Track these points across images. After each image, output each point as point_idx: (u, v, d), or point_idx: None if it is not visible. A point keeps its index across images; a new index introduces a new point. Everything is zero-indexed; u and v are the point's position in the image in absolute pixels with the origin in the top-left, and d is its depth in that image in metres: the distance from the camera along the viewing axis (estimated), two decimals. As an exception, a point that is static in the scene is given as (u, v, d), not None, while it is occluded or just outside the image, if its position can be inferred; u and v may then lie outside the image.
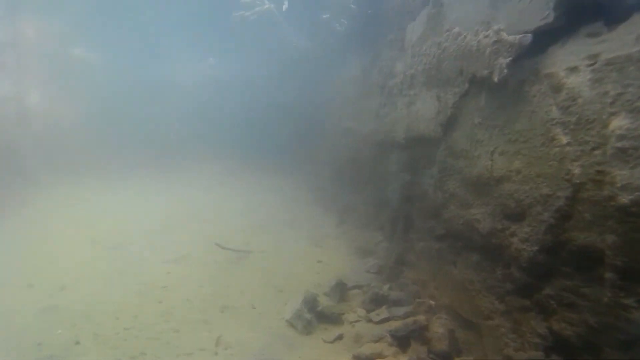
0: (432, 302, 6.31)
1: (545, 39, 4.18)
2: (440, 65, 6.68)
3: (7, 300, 7.20)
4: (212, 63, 25.69)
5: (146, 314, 6.79)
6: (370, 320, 6.42)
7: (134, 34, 23.36)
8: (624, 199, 3.03)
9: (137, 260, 9.06)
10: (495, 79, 4.69)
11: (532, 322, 4.07)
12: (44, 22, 17.99)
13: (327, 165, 15.06)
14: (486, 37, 4.99)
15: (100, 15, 21.48)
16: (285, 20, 22.77)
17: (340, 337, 6.01)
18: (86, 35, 20.89)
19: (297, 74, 21.03)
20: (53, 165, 16.29)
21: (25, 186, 14.21)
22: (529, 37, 4.29)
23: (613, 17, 3.53)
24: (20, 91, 16.05)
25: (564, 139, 3.66)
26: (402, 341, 5.58)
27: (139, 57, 23.37)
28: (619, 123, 3.11)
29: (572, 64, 3.66)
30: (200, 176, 18.74)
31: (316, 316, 6.43)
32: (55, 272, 8.32)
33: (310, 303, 6.54)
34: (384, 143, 9.95)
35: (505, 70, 4.54)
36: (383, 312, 6.43)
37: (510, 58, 4.49)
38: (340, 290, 7.25)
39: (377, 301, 6.78)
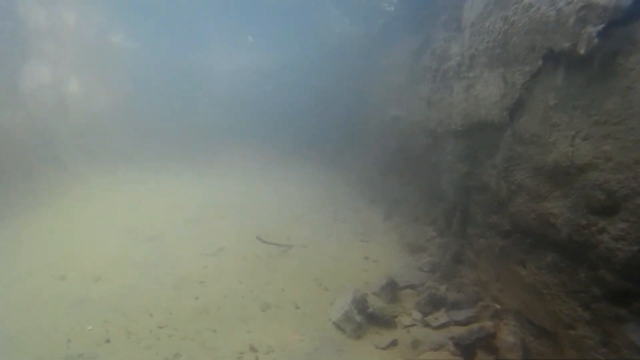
0: (498, 306, 5.76)
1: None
2: (507, 42, 6.09)
3: (39, 292, 7.01)
4: (250, 41, 25.24)
5: (181, 310, 6.47)
6: (427, 325, 5.92)
7: (172, 21, 23.24)
8: None
9: (173, 253, 8.81)
10: (582, 51, 4.10)
11: (630, 336, 3.51)
12: (83, 10, 18.01)
13: (372, 155, 14.57)
14: (569, 3, 4.39)
15: (138, 2, 21.40)
16: (330, 2, 22.15)
17: (394, 344, 5.53)
18: (124, 23, 20.89)
19: (341, 61, 20.53)
20: (89, 154, 16.30)
21: (61, 175, 14.19)
22: (628, -1, 3.71)
23: None
24: (58, 79, 16.06)
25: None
26: (466, 350, 5.06)
27: (177, 45, 23.28)
28: None
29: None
30: (238, 166, 18.51)
31: (366, 318, 5.97)
32: (89, 263, 8.12)
33: (361, 304, 6.07)
34: (436, 131, 9.40)
35: (596, 40, 3.96)
36: (442, 316, 5.91)
37: (602, 25, 3.91)
38: (392, 289, 6.77)
39: (434, 303, 6.27)
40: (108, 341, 5.57)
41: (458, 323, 5.72)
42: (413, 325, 6.00)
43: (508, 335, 4.98)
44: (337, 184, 15.21)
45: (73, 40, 17.02)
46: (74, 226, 10.46)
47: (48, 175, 13.63)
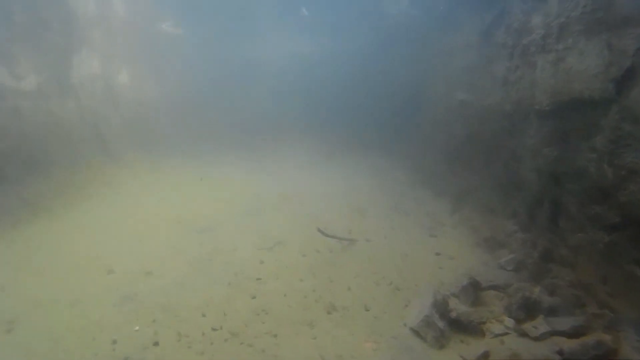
0: (611, 314, 4.91)
1: None
2: (613, 2, 5.24)
3: (86, 287, 6.57)
4: (305, 14, 24.40)
5: (237, 311, 5.88)
6: (524, 334, 5.05)
7: (222, 6, 22.79)
8: None
9: (226, 246, 8.24)
10: None
11: None
12: (132, -1, 17.84)
13: (435, 143, 13.67)
14: None
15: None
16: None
17: (486, 356, 4.69)
18: (172, 9, 20.57)
19: (398, 45, 19.65)
20: (139, 145, 16.08)
21: (110, 166, 13.98)
22: None
23: None
24: (108, 69, 15.88)
25: None
26: (583, 369, 4.22)
27: (227, 31, 22.83)
28: None
29: None
30: (293, 156, 17.88)
31: (449, 324, 5.16)
32: (138, 257, 7.66)
33: (442, 307, 5.28)
34: (514, 113, 8.48)
35: None
36: (540, 324, 5.03)
37: None
38: (474, 291, 5.93)
39: (528, 308, 5.40)
40: (156, 344, 5.02)
41: (562, 333, 4.86)
42: (506, 333, 5.15)
43: (632, 352, 4.14)
44: (398, 174, 14.35)
45: (123, 29, 16.82)
46: (124, 218, 10.11)
47: (97, 167, 13.42)
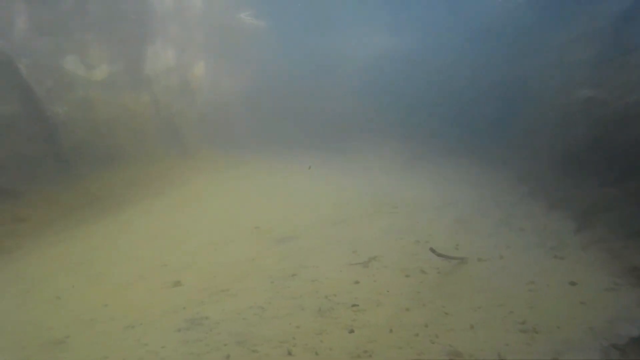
0: None
1: None
2: None
3: (148, 302, 5.62)
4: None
5: (331, 349, 4.62)
6: None
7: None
8: None
9: (313, 260, 7.04)
10: None
11: None
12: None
13: (544, 147, 12.06)
14: None
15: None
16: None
17: None
18: (253, 1, 19.75)
19: (495, 40, 18.05)
20: (214, 142, 15.40)
21: (184, 163, 13.30)
22: None
23: None
24: (184, 62, 15.23)
25: None
26: None
27: (309, 25, 21.79)
28: None
29: None
30: (377, 159, 16.57)
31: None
32: (209, 269, 6.65)
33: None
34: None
35: None
36: None
37: None
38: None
39: None
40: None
41: None
42: None
43: None
44: (498, 182, 12.72)
45: (200, 20, 16.12)
46: (195, 221, 9.24)
47: (170, 163, 12.77)
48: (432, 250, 6.85)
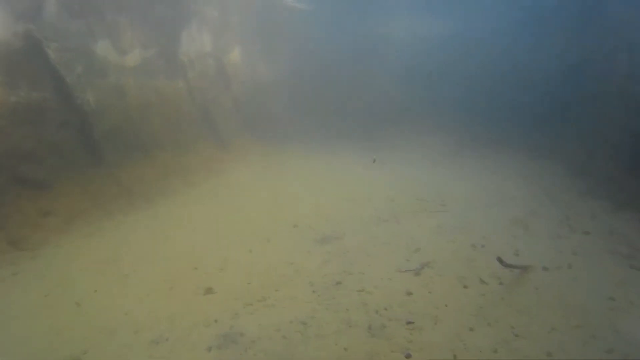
0: None
1: None
2: None
3: (176, 312, 5.06)
4: None
5: (389, 380, 4.05)
6: None
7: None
8: None
9: (359, 265, 6.39)
10: None
11: None
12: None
13: (610, 141, 11.04)
14: None
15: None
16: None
17: None
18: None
19: (546, 23, 16.96)
20: (251, 131, 14.89)
21: (218, 152, 12.81)
22: None
23: None
24: (220, 46, 14.67)
25: None
26: None
27: (352, 8, 20.81)
28: None
29: None
30: (421, 150, 15.72)
31: None
32: (246, 274, 6.07)
33: None
34: None
35: None
36: None
37: None
38: None
39: None
40: None
41: None
42: None
43: None
44: (554, 178, 11.64)
45: (237, 2, 15.49)
46: (230, 216, 8.71)
47: (205, 152, 12.29)
48: (500, 260, 6.09)
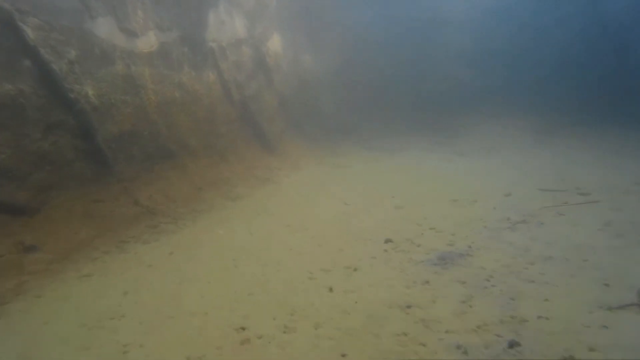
0: None
1: None
2: None
3: None
4: None
5: None
6: None
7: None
8: None
9: (525, 303, 3.63)
10: None
11: None
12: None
13: None
14: None
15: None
16: None
17: None
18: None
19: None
20: (297, 129, 12.48)
21: (263, 155, 10.51)
22: None
23: None
24: (257, 33, 12.24)
25: None
26: None
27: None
28: None
29: None
30: (511, 134, 13.39)
31: None
32: (327, 336, 3.43)
33: None
34: None
35: None
36: None
37: None
38: None
39: None
40: None
41: None
42: None
43: None
44: None
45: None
46: (288, 235, 6.23)
47: (248, 159, 10.00)
48: None
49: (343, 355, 3.08)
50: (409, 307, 3.72)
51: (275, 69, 12.77)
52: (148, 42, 8.37)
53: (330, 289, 4.20)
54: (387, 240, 5.43)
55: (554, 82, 15.79)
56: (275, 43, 13.15)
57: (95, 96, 7.03)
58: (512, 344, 3.01)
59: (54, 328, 3.90)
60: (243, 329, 3.56)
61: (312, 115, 13.88)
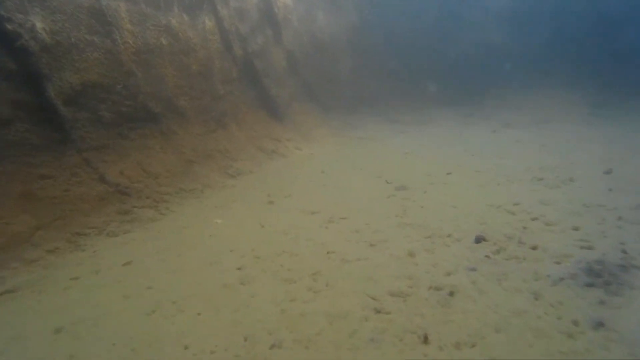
0: None
1: None
2: None
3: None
4: None
5: None
6: None
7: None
8: None
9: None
10: None
11: None
12: None
13: None
14: None
15: None
16: None
17: None
18: None
19: None
20: (310, 97, 10.73)
21: (272, 125, 8.69)
22: None
23: None
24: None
25: None
26: None
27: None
28: None
29: None
30: (534, 112, 11.73)
31: None
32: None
33: None
34: None
35: None
36: None
37: None
38: None
39: None
40: None
41: None
42: None
43: None
44: None
45: None
46: (302, 223, 4.53)
47: (251, 127, 8.23)
48: None
49: None
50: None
51: (284, 23, 10.81)
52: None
53: (425, 340, 2.31)
54: (479, 239, 3.60)
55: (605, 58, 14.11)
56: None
57: (47, 32, 5.11)
58: None
59: None
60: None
61: (326, 81, 12.01)
